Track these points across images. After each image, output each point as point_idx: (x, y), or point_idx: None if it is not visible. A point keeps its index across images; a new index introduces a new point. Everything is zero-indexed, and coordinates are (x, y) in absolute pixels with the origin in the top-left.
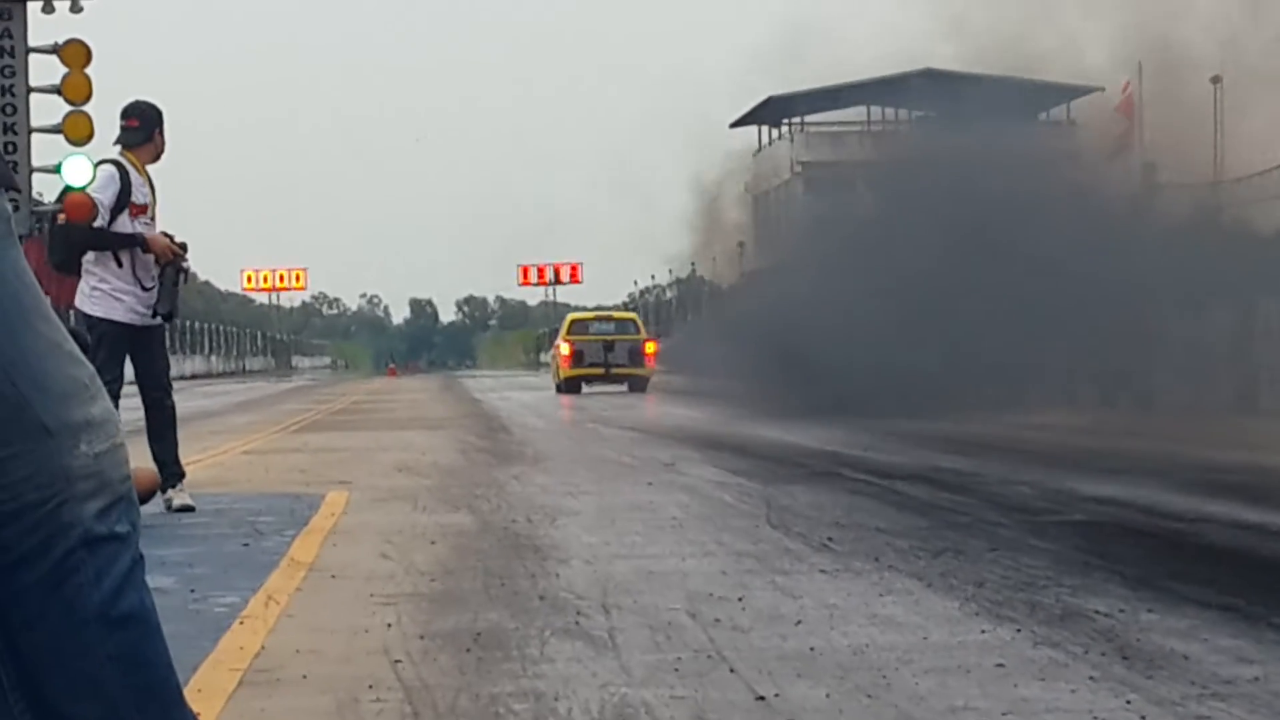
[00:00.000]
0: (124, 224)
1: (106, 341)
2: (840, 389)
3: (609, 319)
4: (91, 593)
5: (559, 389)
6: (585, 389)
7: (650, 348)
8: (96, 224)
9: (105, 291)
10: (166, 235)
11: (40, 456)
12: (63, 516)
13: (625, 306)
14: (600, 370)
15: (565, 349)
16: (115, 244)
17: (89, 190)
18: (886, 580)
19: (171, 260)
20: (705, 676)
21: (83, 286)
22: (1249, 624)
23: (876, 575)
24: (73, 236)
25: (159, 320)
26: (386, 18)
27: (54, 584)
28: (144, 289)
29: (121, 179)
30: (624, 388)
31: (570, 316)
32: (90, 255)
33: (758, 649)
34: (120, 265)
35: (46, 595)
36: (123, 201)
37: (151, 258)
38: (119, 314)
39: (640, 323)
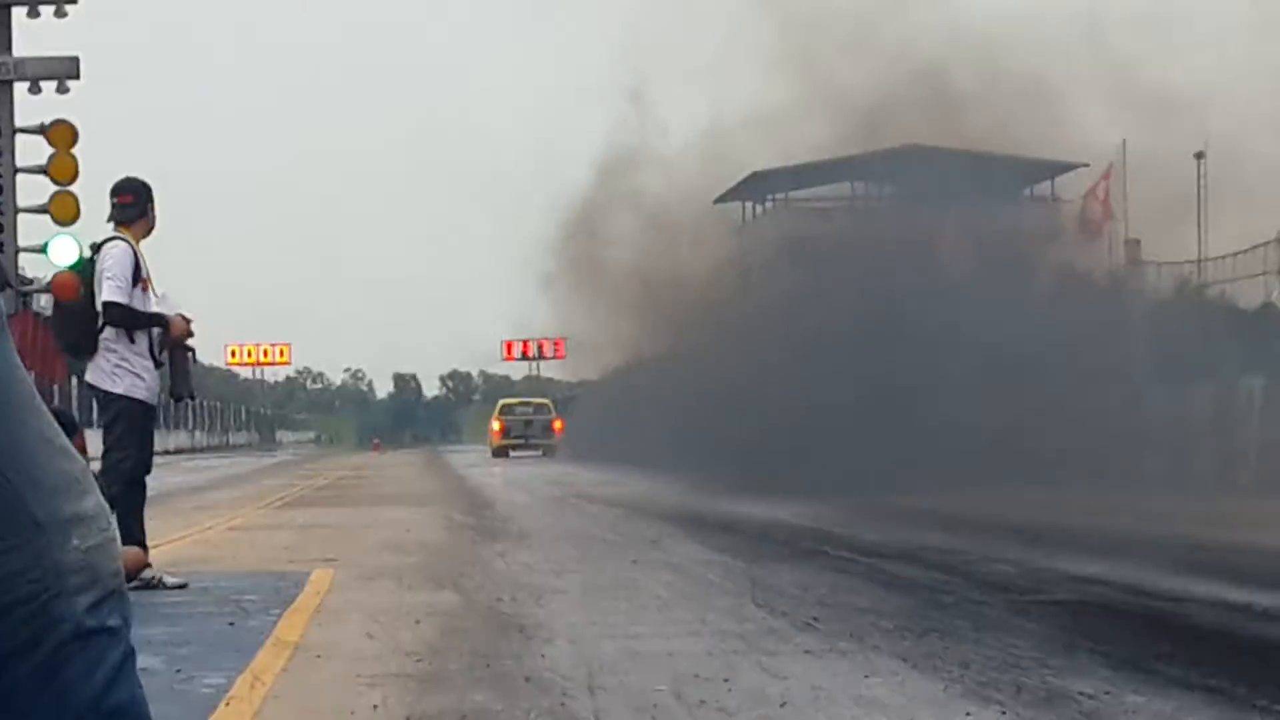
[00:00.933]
0: (139, 300)
1: (125, 417)
2: (816, 465)
3: (528, 404)
4: (83, 686)
5: (493, 454)
6: (512, 454)
7: (558, 425)
8: (118, 300)
9: (127, 369)
10: (182, 316)
11: (32, 551)
12: (54, 611)
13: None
14: (521, 440)
15: (497, 425)
16: (146, 323)
17: (106, 270)
18: (872, 661)
19: (181, 340)
20: None
21: (100, 363)
22: (1234, 706)
23: (862, 656)
24: (110, 316)
25: (172, 399)
26: (370, 94)
27: (46, 678)
28: (157, 366)
29: (133, 255)
30: (539, 454)
31: (501, 402)
32: (109, 333)
33: None
34: (134, 342)
35: (38, 689)
36: (137, 277)
37: (159, 335)
38: (141, 392)
39: (552, 406)
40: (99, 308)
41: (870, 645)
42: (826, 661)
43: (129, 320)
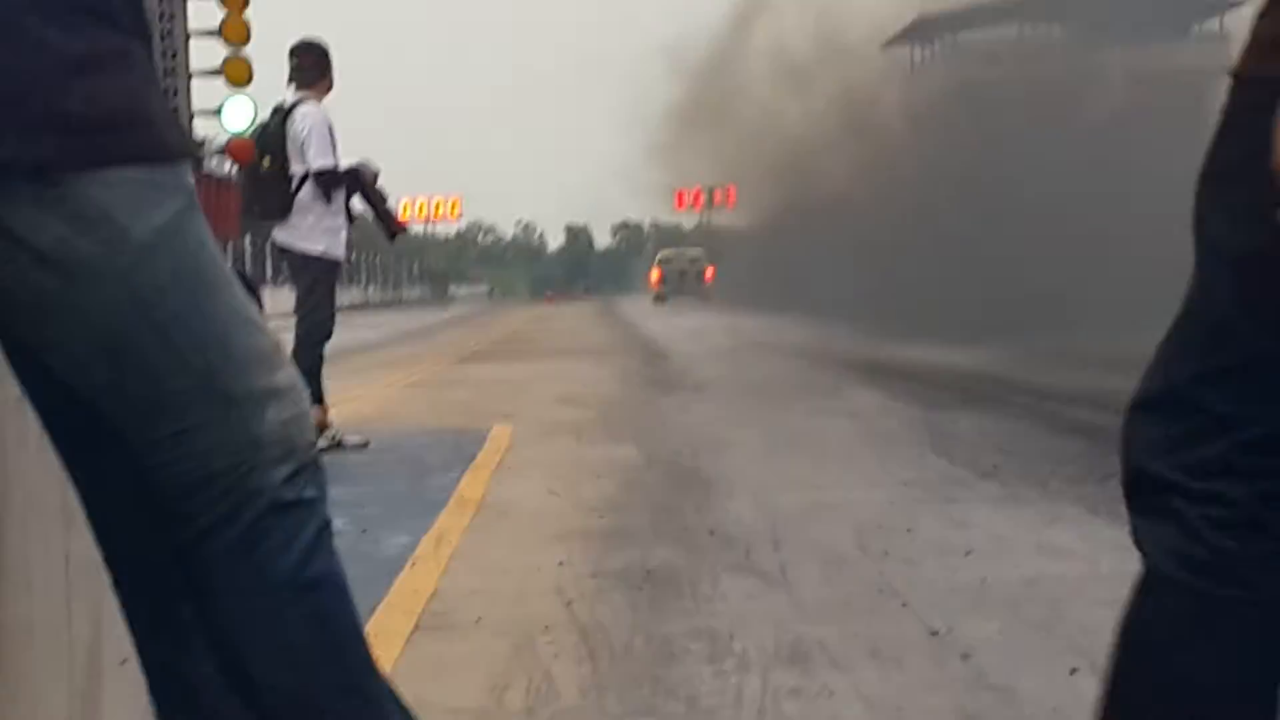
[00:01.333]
0: (338, 160)
1: (326, 277)
2: (984, 308)
3: (683, 254)
4: (282, 558)
5: (654, 301)
6: (669, 301)
7: (709, 273)
8: (327, 164)
9: (326, 229)
10: (369, 164)
11: (228, 425)
12: (250, 484)
13: None
14: (676, 288)
15: (655, 275)
16: (346, 181)
17: (308, 136)
18: (1054, 508)
19: (373, 186)
20: (877, 612)
21: (296, 225)
22: None
23: (1044, 503)
24: (321, 181)
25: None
26: None
27: (244, 550)
28: (351, 221)
29: (327, 117)
30: (695, 298)
31: (660, 254)
32: (305, 194)
33: (928, 582)
34: (330, 202)
35: (237, 562)
36: (334, 139)
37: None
38: (337, 251)
39: (704, 255)
40: (294, 171)
41: (1052, 491)
42: (1008, 509)
43: (337, 183)
